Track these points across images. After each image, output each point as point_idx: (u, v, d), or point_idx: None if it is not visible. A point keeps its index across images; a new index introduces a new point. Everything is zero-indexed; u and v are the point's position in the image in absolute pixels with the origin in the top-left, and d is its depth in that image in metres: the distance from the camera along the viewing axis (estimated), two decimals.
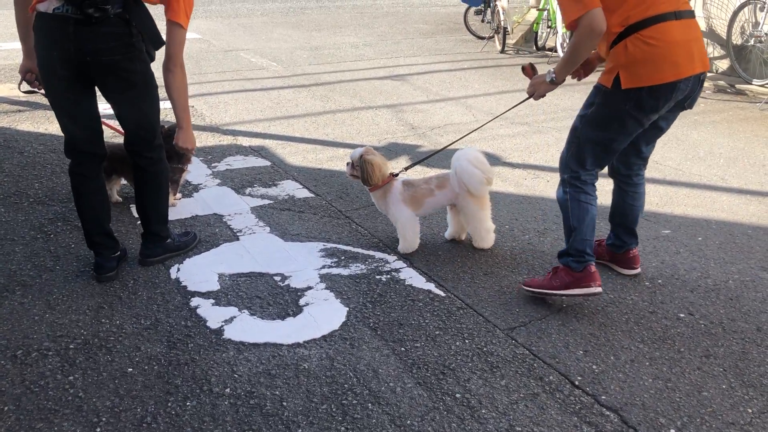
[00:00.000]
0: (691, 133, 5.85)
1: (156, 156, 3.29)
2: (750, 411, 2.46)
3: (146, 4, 2.98)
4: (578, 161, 3.05)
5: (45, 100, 3.88)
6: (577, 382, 2.59)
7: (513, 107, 3.81)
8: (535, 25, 9.86)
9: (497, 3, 9.65)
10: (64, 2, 2.81)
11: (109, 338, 2.81)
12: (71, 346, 2.75)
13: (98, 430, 2.29)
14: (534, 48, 9.91)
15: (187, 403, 2.43)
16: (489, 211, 3.61)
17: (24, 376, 2.56)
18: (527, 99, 3.24)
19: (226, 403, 2.44)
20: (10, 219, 3.89)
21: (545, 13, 9.63)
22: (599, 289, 3.05)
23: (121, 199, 4.15)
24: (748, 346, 2.84)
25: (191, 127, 3.44)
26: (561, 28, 8.97)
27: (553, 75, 2.93)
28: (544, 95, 3.08)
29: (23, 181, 4.44)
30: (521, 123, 6.12)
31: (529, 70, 3.19)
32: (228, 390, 2.51)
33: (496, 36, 9.93)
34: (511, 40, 10.19)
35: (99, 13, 2.79)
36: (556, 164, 3.22)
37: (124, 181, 4.19)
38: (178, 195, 4.22)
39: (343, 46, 9.88)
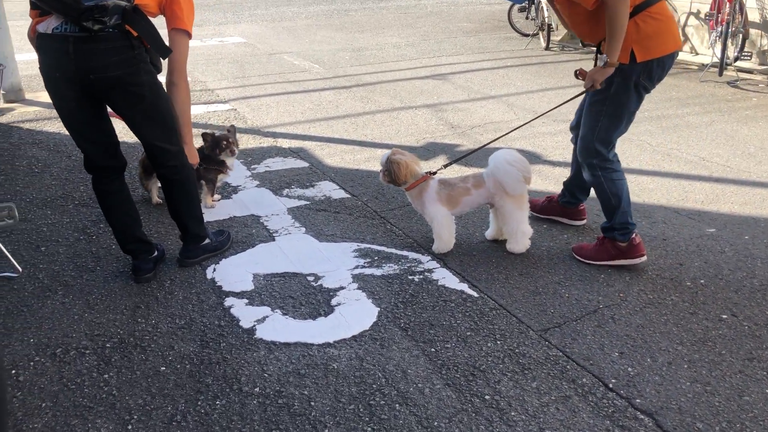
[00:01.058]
0: (742, 129, 5.65)
1: (179, 163, 3.23)
2: None
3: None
4: (605, 143, 3.27)
5: None
6: (611, 385, 2.52)
7: (566, 102, 3.69)
8: None
9: (541, 0, 9.51)
10: (62, 21, 2.77)
11: (144, 337, 2.86)
12: (108, 345, 2.81)
13: (129, 427, 2.34)
14: (579, 45, 9.72)
15: (217, 402, 2.46)
16: (527, 212, 3.53)
17: (62, 373, 2.63)
18: (585, 92, 3.30)
19: (254, 402, 2.46)
20: (55, 221, 4.01)
21: None
22: (644, 259, 3.39)
23: (161, 200, 4.23)
24: None
25: (193, 142, 3.41)
26: None
27: (606, 58, 3.05)
28: (602, 81, 3.15)
29: (69, 184, 4.57)
30: (564, 120, 6.00)
31: (582, 71, 3.25)
32: (257, 389, 2.53)
33: (540, 33, 9.78)
34: (555, 37, 10.04)
35: (97, 25, 2.71)
36: None
37: None
38: (217, 196, 4.28)
39: (385, 47, 9.88)
